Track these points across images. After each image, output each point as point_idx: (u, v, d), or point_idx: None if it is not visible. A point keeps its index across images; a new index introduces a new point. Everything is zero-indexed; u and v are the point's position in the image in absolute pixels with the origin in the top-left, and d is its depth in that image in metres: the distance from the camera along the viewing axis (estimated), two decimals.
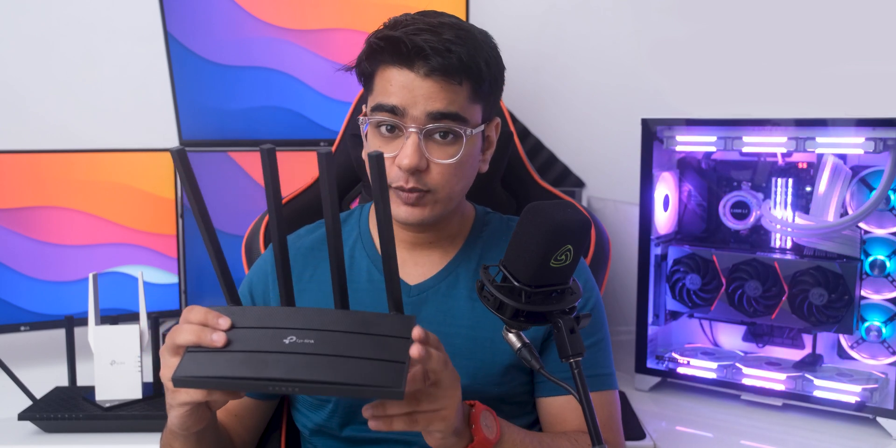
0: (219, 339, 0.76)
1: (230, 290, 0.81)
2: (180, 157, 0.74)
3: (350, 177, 1.36)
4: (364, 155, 0.99)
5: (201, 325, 0.77)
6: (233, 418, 1.09)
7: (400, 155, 0.95)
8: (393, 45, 0.95)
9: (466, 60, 0.95)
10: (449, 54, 0.94)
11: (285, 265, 0.80)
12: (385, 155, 0.97)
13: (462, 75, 0.95)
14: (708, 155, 1.64)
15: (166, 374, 0.79)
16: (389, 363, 0.73)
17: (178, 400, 0.81)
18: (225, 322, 0.77)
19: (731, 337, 1.68)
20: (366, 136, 1.02)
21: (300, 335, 0.75)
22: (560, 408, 1.05)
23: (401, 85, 0.95)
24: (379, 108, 0.97)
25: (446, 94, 0.95)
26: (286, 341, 0.74)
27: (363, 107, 1.03)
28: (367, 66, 1.00)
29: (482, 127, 1.01)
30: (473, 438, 0.88)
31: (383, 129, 0.98)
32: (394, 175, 0.97)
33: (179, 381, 0.74)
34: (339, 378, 0.72)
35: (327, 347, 0.74)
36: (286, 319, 0.76)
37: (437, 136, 0.97)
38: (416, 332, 0.78)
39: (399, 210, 0.99)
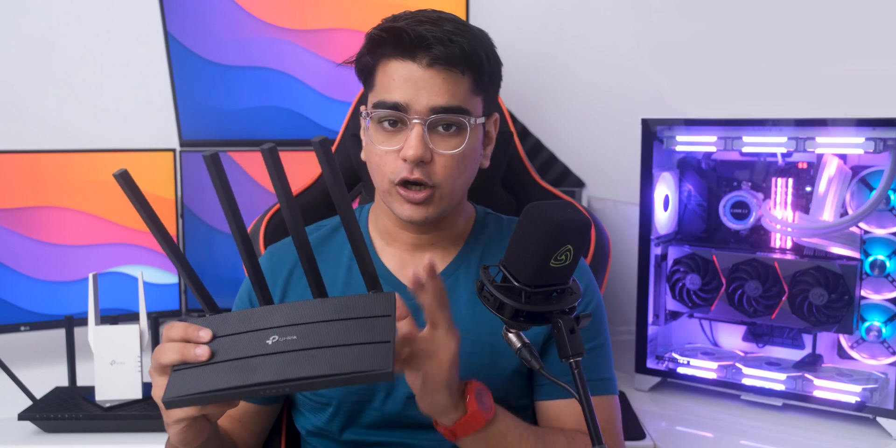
0: (202, 353, 0.75)
1: (205, 299, 0.81)
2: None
3: (350, 177, 1.36)
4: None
5: (183, 342, 0.77)
6: (236, 423, 1.09)
7: (405, 146, 0.96)
8: (395, 35, 0.95)
9: (468, 50, 0.95)
10: (451, 44, 0.94)
11: (254, 265, 0.79)
12: (388, 149, 0.97)
13: (464, 65, 0.96)
14: (708, 155, 1.64)
15: (157, 394, 0.79)
16: (375, 345, 0.73)
17: (174, 417, 0.80)
18: (206, 334, 0.77)
19: (731, 337, 1.69)
20: (366, 131, 1.02)
21: (282, 333, 0.74)
22: (558, 410, 1.04)
23: (403, 78, 0.96)
24: (381, 105, 0.97)
25: (448, 85, 0.96)
26: (269, 342, 0.74)
27: (362, 107, 1.03)
28: (368, 61, 1.00)
29: (483, 119, 1.01)
30: (466, 410, 0.86)
31: (386, 123, 0.98)
32: (398, 168, 0.97)
33: (171, 403, 0.73)
34: (327, 370, 0.71)
35: (310, 340, 0.74)
36: (266, 319, 0.76)
37: (440, 128, 0.97)
38: (402, 309, 0.80)
39: (403, 208, 0.99)
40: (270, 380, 0.71)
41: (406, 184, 0.98)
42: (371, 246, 1.09)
